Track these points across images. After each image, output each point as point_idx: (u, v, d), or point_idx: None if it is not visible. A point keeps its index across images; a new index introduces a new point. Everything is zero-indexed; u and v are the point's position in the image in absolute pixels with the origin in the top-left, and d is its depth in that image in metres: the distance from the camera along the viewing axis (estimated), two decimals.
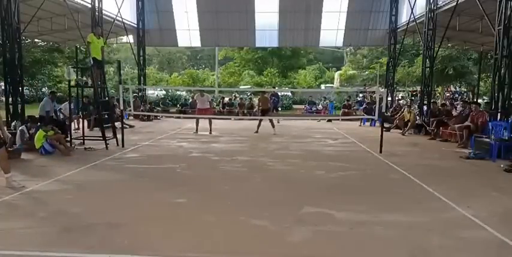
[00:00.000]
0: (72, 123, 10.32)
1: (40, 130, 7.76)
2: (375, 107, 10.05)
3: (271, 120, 11.93)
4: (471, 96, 23.58)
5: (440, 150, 8.87)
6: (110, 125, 9.33)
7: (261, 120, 12.05)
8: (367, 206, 4.48)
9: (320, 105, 20.73)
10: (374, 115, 10.09)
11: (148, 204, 4.52)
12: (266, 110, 12.42)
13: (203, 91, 12.43)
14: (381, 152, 8.13)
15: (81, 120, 10.77)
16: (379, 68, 20.61)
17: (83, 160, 7.07)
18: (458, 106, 15.34)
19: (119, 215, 4.12)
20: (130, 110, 13.52)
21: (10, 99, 9.26)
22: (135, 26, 17.89)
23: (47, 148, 7.64)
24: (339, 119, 16.50)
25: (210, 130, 11.46)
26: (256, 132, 11.67)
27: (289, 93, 28.03)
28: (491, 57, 15.71)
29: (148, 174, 6.17)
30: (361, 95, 22.84)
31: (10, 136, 5.10)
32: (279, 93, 21.01)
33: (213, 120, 11.88)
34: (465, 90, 27.04)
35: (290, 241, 3.50)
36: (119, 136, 8.90)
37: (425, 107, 13.45)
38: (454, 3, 11.52)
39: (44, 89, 28.69)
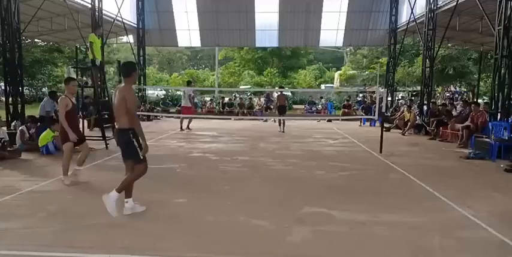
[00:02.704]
0: None
1: (48, 129, 7.76)
2: (374, 106, 10.06)
3: (283, 121, 12.37)
4: (471, 96, 23.60)
5: (440, 150, 8.87)
6: (109, 125, 9.34)
7: (279, 120, 12.50)
8: (367, 206, 4.48)
9: (320, 106, 20.78)
10: (373, 114, 10.11)
11: (148, 204, 4.52)
12: (283, 106, 12.80)
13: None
14: (381, 152, 8.14)
15: (81, 120, 10.76)
16: (379, 68, 20.61)
17: None
18: (458, 106, 15.34)
19: (119, 215, 4.11)
20: None
21: (10, 99, 9.26)
22: (135, 26, 17.89)
23: (51, 148, 7.65)
24: (339, 119, 16.51)
25: (188, 126, 12.22)
26: (283, 131, 11.99)
27: (289, 93, 28.02)
28: (491, 57, 15.73)
29: (148, 174, 6.11)
30: (361, 95, 22.86)
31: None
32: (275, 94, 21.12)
33: (211, 120, 12.28)
34: (465, 90, 27.06)
35: (290, 241, 3.50)
36: None
37: (425, 107, 13.46)
38: (454, 3, 11.53)
39: (44, 89, 28.69)
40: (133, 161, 4.04)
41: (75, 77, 9.08)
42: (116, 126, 4.07)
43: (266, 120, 15.52)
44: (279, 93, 13.69)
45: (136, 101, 4.15)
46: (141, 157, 4.01)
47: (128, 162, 4.15)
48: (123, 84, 4.06)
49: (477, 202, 4.71)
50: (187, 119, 12.39)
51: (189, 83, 14.22)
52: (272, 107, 18.79)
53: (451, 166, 7.12)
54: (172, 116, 16.55)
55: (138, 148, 3.98)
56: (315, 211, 4.34)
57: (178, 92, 26.48)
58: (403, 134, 11.69)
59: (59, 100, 5.34)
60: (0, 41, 9.17)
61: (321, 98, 21.32)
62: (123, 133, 3.97)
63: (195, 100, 17.82)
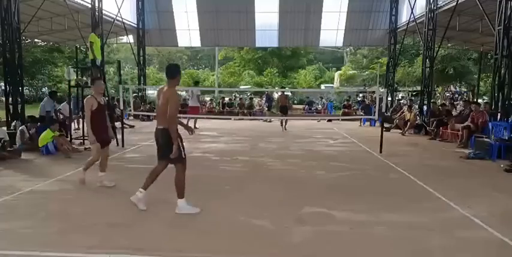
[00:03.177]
0: (72, 123, 10.33)
1: (48, 129, 7.76)
2: (374, 106, 10.06)
3: (285, 120, 12.93)
4: (471, 96, 23.60)
5: (440, 150, 8.87)
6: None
7: (282, 120, 12.98)
8: (367, 206, 4.48)
9: (319, 106, 20.78)
10: (373, 114, 10.12)
11: (148, 204, 4.52)
12: (285, 106, 13.34)
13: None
14: (381, 152, 8.13)
15: (81, 120, 10.76)
16: (379, 68, 20.60)
17: (82, 160, 7.02)
18: (459, 106, 15.34)
19: (119, 215, 4.12)
20: (130, 110, 13.53)
21: (10, 99, 9.26)
22: (135, 26, 17.89)
23: (51, 148, 7.64)
24: (339, 119, 16.51)
25: (195, 126, 12.38)
26: (285, 130, 12.52)
27: (289, 94, 28.02)
28: (491, 57, 15.72)
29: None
30: (361, 95, 22.88)
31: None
32: (276, 94, 21.14)
33: (211, 120, 12.40)
34: (465, 90, 27.06)
35: (290, 241, 3.50)
36: (119, 136, 8.90)
37: (425, 107, 13.46)
38: (454, 3, 11.52)
39: (44, 89, 28.70)
40: (174, 160, 4.11)
41: (75, 77, 9.10)
42: (159, 127, 4.14)
43: (270, 121, 15.53)
44: (281, 93, 13.88)
45: (178, 104, 4.28)
46: (183, 156, 4.14)
47: (164, 161, 4.24)
48: (166, 86, 4.15)
49: (477, 202, 4.71)
50: (194, 119, 12.42)
51: (197, 83, 14.26)
52: (266, 108, 18.79)
53: (451, 166, 7.12)
54: None
55: (181, 147, 4.10)
56: (315, 211, 4.34)
57: (178, 92, 26.48)
58: (403, 134, 11.68)
59: (85, 100, 5.15)
60: (0, 41, 9.16)
61: (321, 98, 21.32)
62: (166, 132, 4.05)
63: None
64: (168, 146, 4.05)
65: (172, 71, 4.17)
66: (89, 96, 5.17)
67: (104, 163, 5.34)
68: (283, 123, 12.77)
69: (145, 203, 4.27)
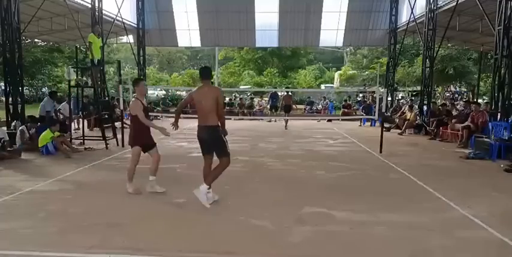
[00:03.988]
0: (72, 123, 10.33)
1: (48, 129, 7.75)
2: (374, 105, 10.06)
3: (286, 120, 13.84)
4: (471, 96, 23.61)
5: (440, 150, 8.87)
6: (110, 125, 9.34)
7: (285, 119, 13.81)
8: (367, 206, 4.48)
9: (320, 106, 20.74)
10: (373, 114, 10.12)
11: (148, 204, 4.53)
12: (289, 106, 14.27)
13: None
14: (381, 152, 8.13)
15: (81, 120, 10.78)
16: (379, 68, 20.59)
17: (82, 160, 7.07)
18: (459, 106, 15.34)
19: (119, 215, 4.12)
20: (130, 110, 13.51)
21: (10, 99, 9.26)
22: (135, 26, 17.87)
23: (50, 149, 7.64)
24: (339, 119, 16.51)
25: None
26: (286, 129, 13.17)
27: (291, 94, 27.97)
28: (491, 57, 15.73)
29: (149, 174, 6.15)
30: (361, 95, 22.85)
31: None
32: (279, 93, 21.08)
33: None
34: (465, 90, 27.05)
35: (290, 241, 3.50)
36: (119, 136, 8.91)
37: (425, 107, 13.46)
38: (454, 3, 11.52)
39: (44, 89, 28.69)
40: (221, 154, 4.44)
41: (75, 77, 9.09)
42: (205, 124, 4.37)
43: (271, 121, 15.67)
44: (285, 93, 14.65)
45: None
46: (228, 151, 4.45)
47: (210, 156, 4.57)
48: (205, 86, 4.44)
49: (477, 202, 4.71)
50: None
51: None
52: (269, 107, 18.76)
53: (451, 166, 7.12)
54: (172, 116, 16.50)
55: (227, 143, 4.44)
56: (315, 211, 4.34)
57: (178, 92, 26.48)
58: (401, 134, 11.67)
59: (131, 103, 4.93)
60: (0, 41, 9.16)
61: (324, 98, 21.28)
62: (215, 129, 4.38)
63: None
64: (220, 141, 4.37)
65: (210, 73, 4.66)
66: (134, 99, 4.96)
67: (155, 166, 5.05)
68: (285, 122, 13.37)
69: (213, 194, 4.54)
